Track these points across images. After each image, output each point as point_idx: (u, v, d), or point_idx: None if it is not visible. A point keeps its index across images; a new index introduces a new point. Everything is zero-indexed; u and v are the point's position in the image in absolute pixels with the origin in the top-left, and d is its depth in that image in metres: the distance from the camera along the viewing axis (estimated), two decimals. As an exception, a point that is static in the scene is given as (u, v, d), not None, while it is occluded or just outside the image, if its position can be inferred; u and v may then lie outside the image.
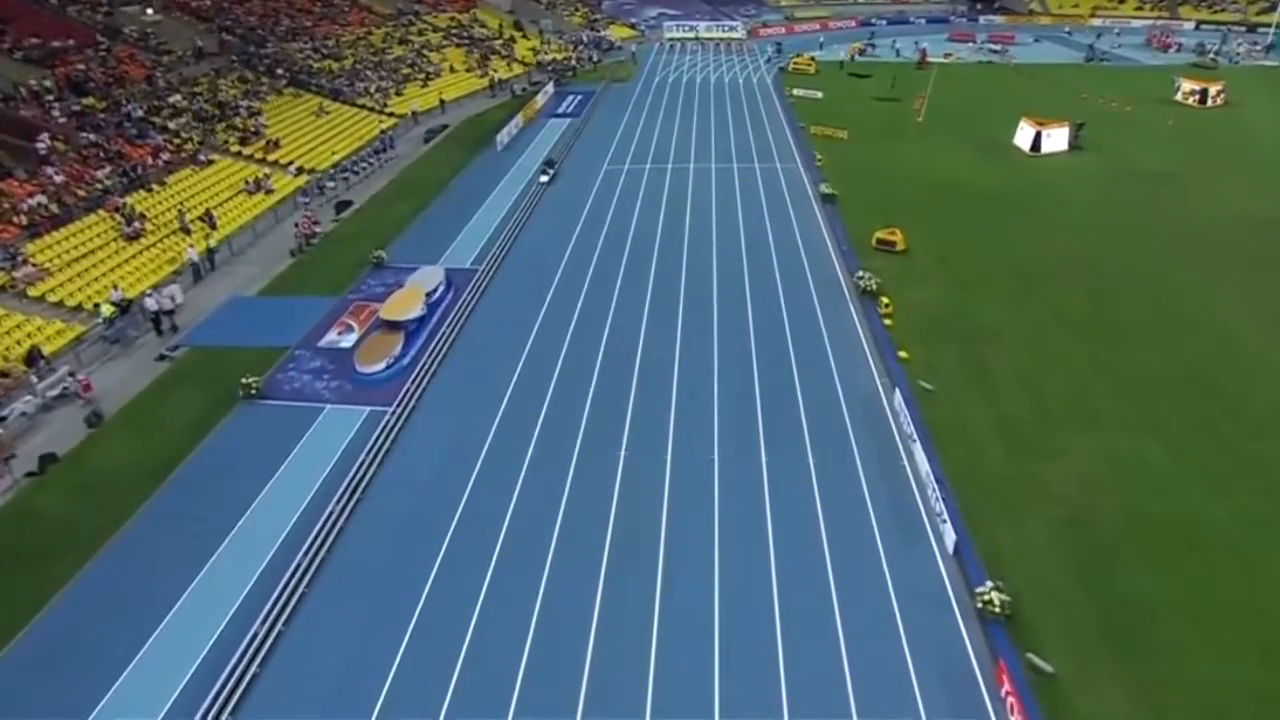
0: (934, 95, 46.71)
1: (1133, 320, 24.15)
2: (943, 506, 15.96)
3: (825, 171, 36.89)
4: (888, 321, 23.58)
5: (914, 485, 17.29)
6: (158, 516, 16.90)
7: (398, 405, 20.08)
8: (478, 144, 43.11)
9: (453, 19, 68.69)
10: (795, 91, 52.74)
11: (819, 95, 51.60)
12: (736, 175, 37.60)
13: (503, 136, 42.66)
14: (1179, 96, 50.57)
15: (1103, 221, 31.67)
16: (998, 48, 69.03)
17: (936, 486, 16.48)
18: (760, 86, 56.46)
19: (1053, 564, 15.28)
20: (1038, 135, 39.49)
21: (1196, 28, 78.82)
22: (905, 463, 17.94)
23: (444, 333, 23.50)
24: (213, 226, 31.49)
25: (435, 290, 25.07)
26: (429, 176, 38.41)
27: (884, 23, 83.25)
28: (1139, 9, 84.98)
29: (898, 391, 19.61)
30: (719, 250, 29.34)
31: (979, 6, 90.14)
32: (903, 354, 21.83)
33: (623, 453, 18.40)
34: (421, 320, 23.65)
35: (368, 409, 20.11)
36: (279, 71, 48.78)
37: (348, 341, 23.23)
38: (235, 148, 38.55)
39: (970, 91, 53.21)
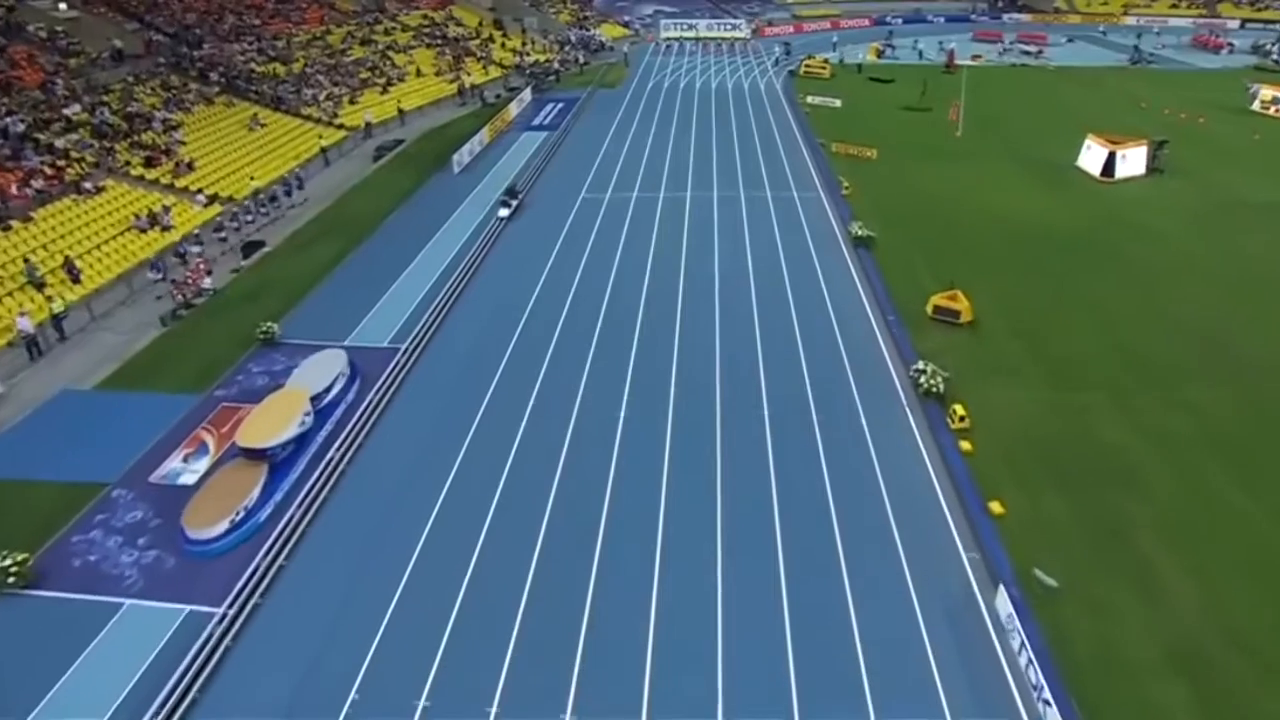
0: (970, 104, 39.71)
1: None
2: None
3: (854, 203, 29.79)
4: (965, 444, 16.46)
5: (1058, 799, 10.28)
6: None
7: (231, 603, 13.03)
8: (434, 163, 35.96)
9: (425, 17, 61.82)
10: (809, 99, 45.77)
11: (837, 104, 44.64)
12: (744, 206, 30.49)
13: (462, 155, 35.47)
14: (1256, 105, 43.58)
15: (1219, 275, 24.25)
16: (1031, 49, 62.12)
17: (1101, 812, 9.54)
18: (769, 92, 49.44)
19: None
20: (1111, 157, 32.27)
21: (1242, 26, 72.12)
22: (1035, 743, 10.93)
23: (332, 458, 16.39)
24: (74, 279, 24.55)
25: (331, 387, 17.96)
26: (365, 208, 31.23)
27: (899, 21, 76.65)
28: (1174, 7, 78.37)
29: (1003, 591, 12.52)
30: (723, 323, 21.92)
31: (1000, 4, 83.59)
32: (995, 506, 14.70)
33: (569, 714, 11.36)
34: (301, 440, 16.56)
35: (186, 608, 13.07)
36: (212, 76, 41.84)
37: (193, 474, 16.18)
38: (137, 171, 31.61)
39: (1010, 99, 46.26)
